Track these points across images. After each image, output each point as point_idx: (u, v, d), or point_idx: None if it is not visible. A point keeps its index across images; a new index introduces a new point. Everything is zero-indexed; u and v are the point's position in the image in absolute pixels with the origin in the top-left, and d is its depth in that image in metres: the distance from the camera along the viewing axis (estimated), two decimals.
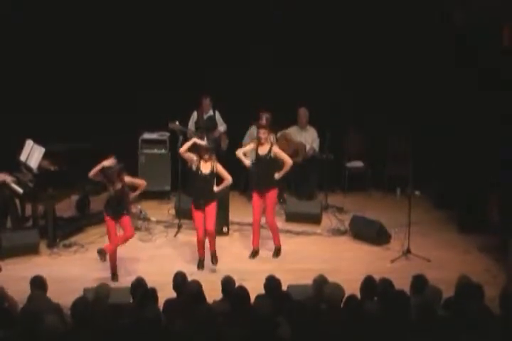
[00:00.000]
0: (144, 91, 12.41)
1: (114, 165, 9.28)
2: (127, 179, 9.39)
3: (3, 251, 9.98)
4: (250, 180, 12.35)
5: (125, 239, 9.48)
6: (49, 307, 6.95)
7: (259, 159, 10.02)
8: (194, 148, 9.75)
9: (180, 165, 11.14)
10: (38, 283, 7.36)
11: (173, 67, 12.50)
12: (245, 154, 10.29)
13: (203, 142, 9.95)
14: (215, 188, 9.76)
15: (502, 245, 9.85)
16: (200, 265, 9.76)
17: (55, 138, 10.85)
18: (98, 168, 9.27)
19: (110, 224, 9.40)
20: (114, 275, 9.43)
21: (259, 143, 9.98)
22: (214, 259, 9.74)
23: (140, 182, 9.65)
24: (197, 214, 9.68)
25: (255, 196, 10.04)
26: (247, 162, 10.09)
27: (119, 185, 9.29)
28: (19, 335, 6.34)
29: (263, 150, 9.96)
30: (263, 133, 9.93)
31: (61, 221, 11.05)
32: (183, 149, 9.71)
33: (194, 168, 9.63)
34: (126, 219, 9.43)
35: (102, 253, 9.24)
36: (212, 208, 9.68)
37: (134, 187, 9.62)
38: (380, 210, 11.74)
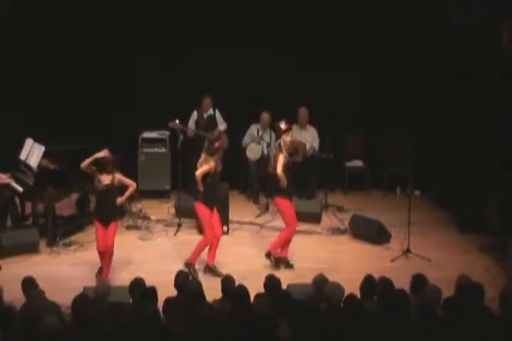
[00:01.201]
0: (144, 90, 12.42)
1: (108, 156, 9.08)
2: (118, 176, 9.15)
3: (3, 249, 9.97)
4: (250, 180, 12.47)
5: (109, 257, 9.18)
6: (47, 307, 6.95)
7: (289, 167, 9.66)
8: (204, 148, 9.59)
9: (180, 164, 11.19)
10: (29, 284, 7.34)
11: (174, 66, 12.50)
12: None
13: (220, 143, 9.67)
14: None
15: (502, 245, 9.84)
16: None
17: (54, 139, 10.85)
18: (90, 159, 9.04)
19: (98, 229, 9.17)
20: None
21: (281, 148, 9.62)
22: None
23: (130, 182, 9.30)
24: (209, 214, 9.48)
25: (287, 202, 9.71)
26: (285, 183, 9.56)
27: (108, 180, 9.08)
28: (18, 335, 6.34)
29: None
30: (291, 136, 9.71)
31: (61, 219, 11.06)
32: (199, 172, 9.36)
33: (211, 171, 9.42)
34: (112, 227, 9.15)
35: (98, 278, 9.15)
36: (216, 211, 9.64)
37: (123, 189, 9.33)
38: (380, 210, 11.75)
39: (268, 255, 9.70)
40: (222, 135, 12.30)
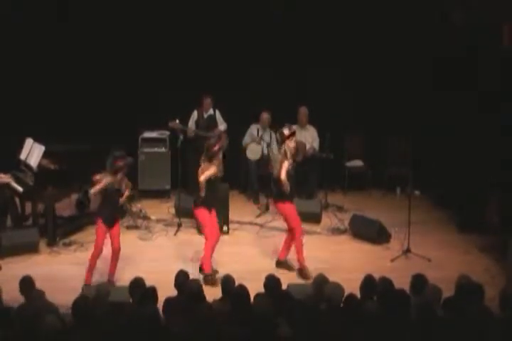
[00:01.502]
0: (144, 89, 12.42)
1: (125, 160, 9.00)
2: (125, 179, 9.17)
3: (3, 249, 9.96)
4: (250, 180, 12.47)
5: (115, 256, 9.16)
6: (45, 307, 6.95)
7: (292, 172, 9.60)
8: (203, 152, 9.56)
9: (180, 164, 11.19)
10: (27, 283, 7.34)
11: (174, 66, 12.51)
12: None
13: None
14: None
15: (502, 245, 9.85)
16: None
17: (54, 139, 10.85)
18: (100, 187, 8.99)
19: (100, 229, 9.08)
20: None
21: (286, 153, 9.55)
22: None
23: (128, 184, 9.28)
24: (209, 216, 9.44)
25: (288, 205, 9.63)
26: (288, 188, 9.51)
27: (117, 184, 9.04)
28: (17, 335, 6.34)
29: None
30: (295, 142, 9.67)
31: (61, 219, 11.05)
32: (203, 178, 9.28)
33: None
34: (117, 228, 9.17)
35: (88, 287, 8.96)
36: (214, 214, 9.59)
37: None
38: (380, 209, 11.75)
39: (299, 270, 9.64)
40: (222, 135, 12.30)
